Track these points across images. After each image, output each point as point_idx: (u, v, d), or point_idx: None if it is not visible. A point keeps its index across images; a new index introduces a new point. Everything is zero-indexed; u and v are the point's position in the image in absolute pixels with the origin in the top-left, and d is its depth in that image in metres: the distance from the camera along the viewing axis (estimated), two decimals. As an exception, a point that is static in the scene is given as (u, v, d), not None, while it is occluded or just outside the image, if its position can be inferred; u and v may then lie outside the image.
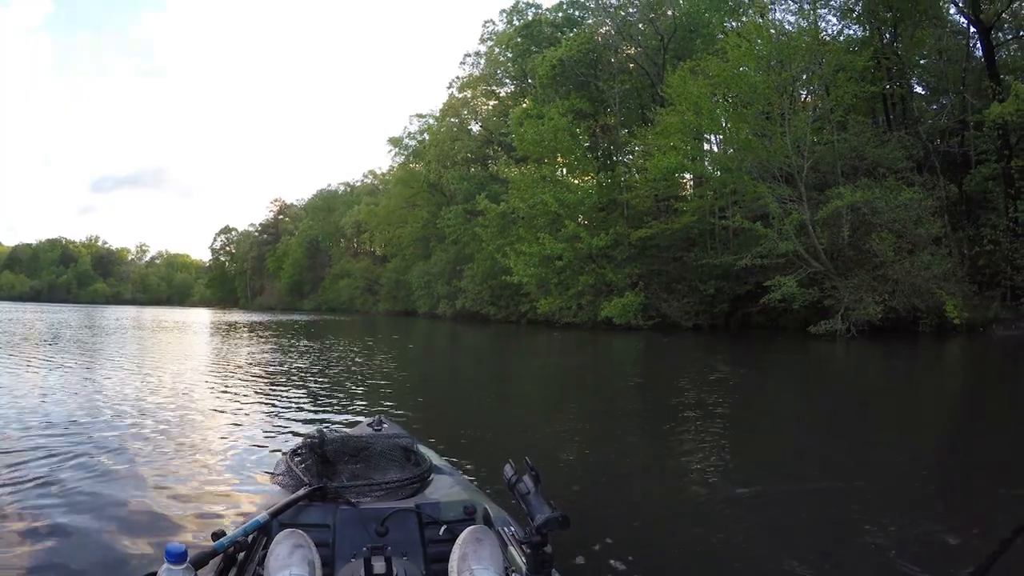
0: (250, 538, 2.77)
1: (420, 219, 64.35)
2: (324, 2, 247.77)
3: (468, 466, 5.99)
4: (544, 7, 52.23)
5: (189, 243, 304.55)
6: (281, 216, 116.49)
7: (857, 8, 32.75)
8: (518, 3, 53.63)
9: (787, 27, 32.31)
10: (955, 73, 31.23)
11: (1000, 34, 30.44)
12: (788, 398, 13.68)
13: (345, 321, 54.46)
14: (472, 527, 2.65)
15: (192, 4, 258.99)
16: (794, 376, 17.80)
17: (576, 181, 42.97)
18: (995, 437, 8.88)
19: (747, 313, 32.57)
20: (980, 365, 19.83)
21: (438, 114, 64.80)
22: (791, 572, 4.27)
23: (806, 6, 32.18)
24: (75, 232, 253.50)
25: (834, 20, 33.49)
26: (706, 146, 37.77)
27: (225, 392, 12.11)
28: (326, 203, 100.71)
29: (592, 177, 42.63)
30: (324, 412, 10.01)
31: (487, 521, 3.03)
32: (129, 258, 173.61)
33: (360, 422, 5.11)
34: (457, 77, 63.23)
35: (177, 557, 2.23)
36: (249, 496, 5.59)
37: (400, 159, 73.22)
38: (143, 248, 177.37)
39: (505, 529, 2.91)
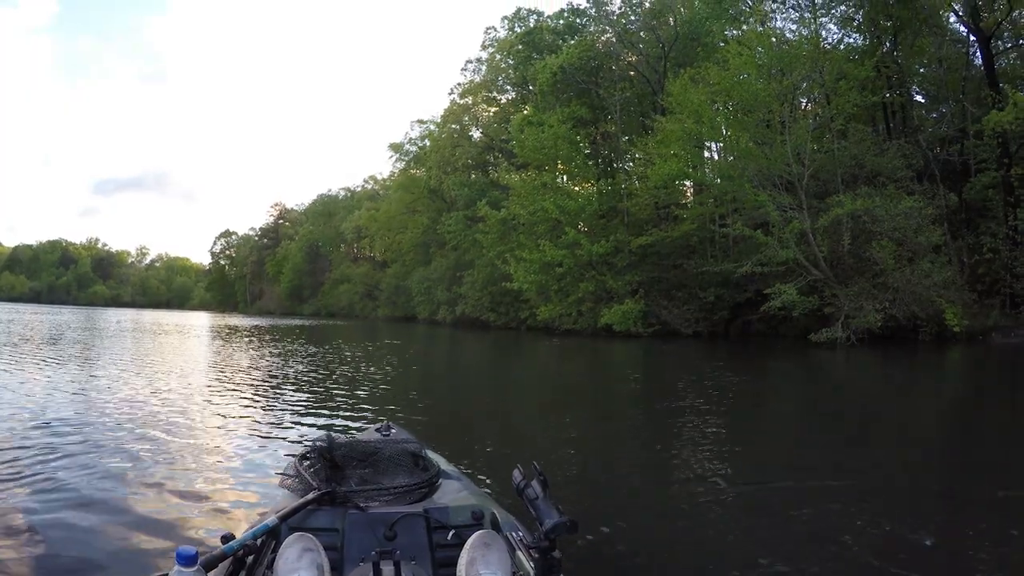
0: (259, 541, 2.77)
1: (420, 225, 64.38)
2: (327, 8, 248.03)
3: (475, 471, 6.03)
4: (546, 14, 52.38)
5: (189, 246, 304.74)
6: (281, 220, 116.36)
7: (857, 17, 32.77)
8: (520, 10, 53.83)
9: (788, 35, 32.46)
10: (955, 82, 31.33)
11: (1000, 43, 30.48)
12: (788, 405, 13.70)
13: (345, 326, 54.40)
14: (480, 532, 2.63)
15: (196, 9, 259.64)
16: (794, 383, 17.82)
17: (576, 188, 43.02)
18: (994, 443, 8.93)
19: (747, 321, 32.53)
20: (980, 373, 19.83)
21: (439, 120, 64.94)
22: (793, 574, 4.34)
23: (807, 15, 32.29)
24: (76, 234, 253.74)
25: (834, 29, 33.58)
26: (707, 154, 37.84)
27: (231, 396, 12.12)
28: (326, 208, 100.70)
29: (592, 184, 42.70)
30: (330, 417, 10.02)
31: (495, 526, 3.03)
32: (129, 261, 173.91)
33: (368, 427, 5.11)
34: (458, 83, 63.20)
35: (188, 560, 2.25)
36: (258, 500, 5.61)
37: (401, 165, 73.34)
38: (143, 251, 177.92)
39: (513, 534, 2.91)
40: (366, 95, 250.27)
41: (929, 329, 26.03)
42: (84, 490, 5.83)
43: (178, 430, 8.66)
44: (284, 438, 8.36)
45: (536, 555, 2.51)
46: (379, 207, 78.55)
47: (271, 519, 2.87)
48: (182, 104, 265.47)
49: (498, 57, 56.01)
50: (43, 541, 4.58)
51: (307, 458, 3.45)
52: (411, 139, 70.83)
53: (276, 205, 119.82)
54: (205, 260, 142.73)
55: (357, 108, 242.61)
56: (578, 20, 48.71)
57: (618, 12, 44.59)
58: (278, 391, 12.96)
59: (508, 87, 56.55)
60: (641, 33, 43.21)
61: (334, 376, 15.97)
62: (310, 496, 3.06)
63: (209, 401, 11.43)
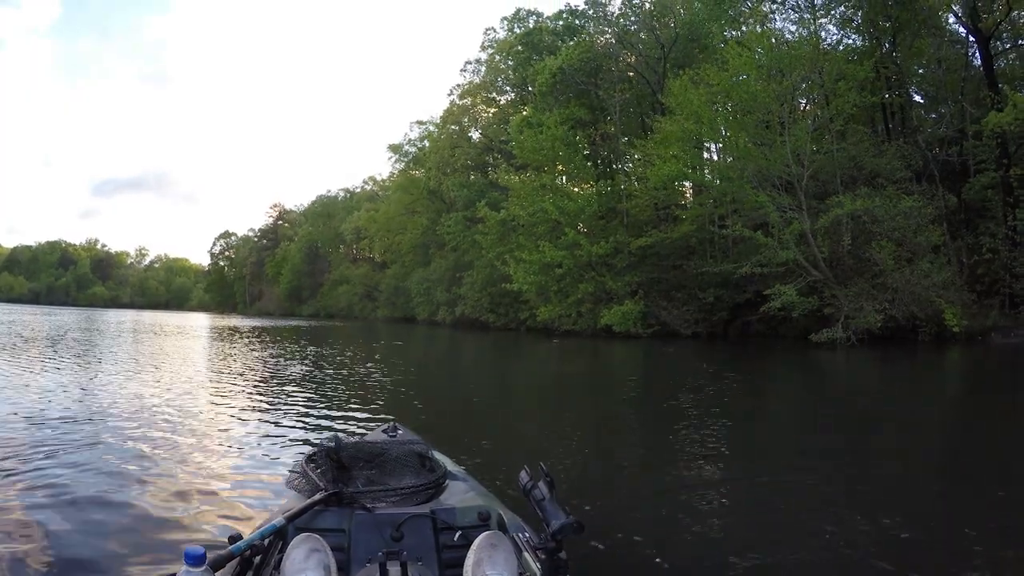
0: (266, 542, 2.80)
1: (420, 226, 64.32)
2: (327, 9, 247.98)
3: (479, 472, 6.04)
4: (545, 15, 52.36)
5: (188, 247, 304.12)
6: (281, 221, 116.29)
7: (856, 18, 32.79)
8: (519, 11, 53.84)
9: (787, 36, 32.49)
10: (954, 82, 31.35)
11: (999, 43, 30.52)
12: (788, 405, 13.72)
13: (344, 327, 54.38)
14: (487, 533, 2.63)
15: (197, 10, 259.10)
16: (794, 384, 17.84)
17: (576, 189, 43.01)
18: (993, 443, 8.94)
19: (747, 321, 32.52)
20: (979, 373, 19.83)
21: (438, 121, 64.88)
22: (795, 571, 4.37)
23: (806, 16, 32.35)
24: (75, 235, 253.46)
25: (834, 29, 33.61)
26: (706, 155, 37.83)
27: (236, 397, 12.15)
28: (326, 209, 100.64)
29: (592, 185, 42.69)
30: (335, 417, 10.01)
31: (502, 527, 3.04)
32: (128, 262, 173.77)
33: (374, 428, 5.11)
34: (458, 84, 63.24)
35: (196, 559, 2.28)
36: (265, 500, 5.62)
37: (400, 166, 73.33)
38: (142, 252, 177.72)
39: (520, 535, 2.91)
40: (365, 96, 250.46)
41: (928, 329, 26.06)
42: (91, 490, 5.83)
43: (184, 431, 8.68)
44: (290, 439, 8.36)
45: (543, 556, 2.53)
46: (378, 208, 78.50)
47: (278, 519, 2.89)
48: (182, 104, 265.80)
49: (497, 58, 55.93)
50: (50, 541, 4.59)
51: (314, 459, 3.46)
52: (410, 140, 70.98)
53: (275, 206, 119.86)
54: (204, 261, 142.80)
55: (356, 109, 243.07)
56: (577, 21, 48.64)
57: (617, 13, 44.66)
58: (282, 392, 12.96)
59: (507, 88, 56.48)
60: (641, 34, 43.19)
61: (337, 377, 16.01)
62: (317, 497, 3.08)
63: (214, 402, 11.44)
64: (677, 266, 36.36)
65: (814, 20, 32.33)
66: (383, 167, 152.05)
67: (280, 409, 10.77)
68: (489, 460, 6.97)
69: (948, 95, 31.72)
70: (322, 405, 11.27)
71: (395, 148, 72.44)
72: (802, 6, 32.78)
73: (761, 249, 29.18)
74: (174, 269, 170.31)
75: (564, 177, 44.07)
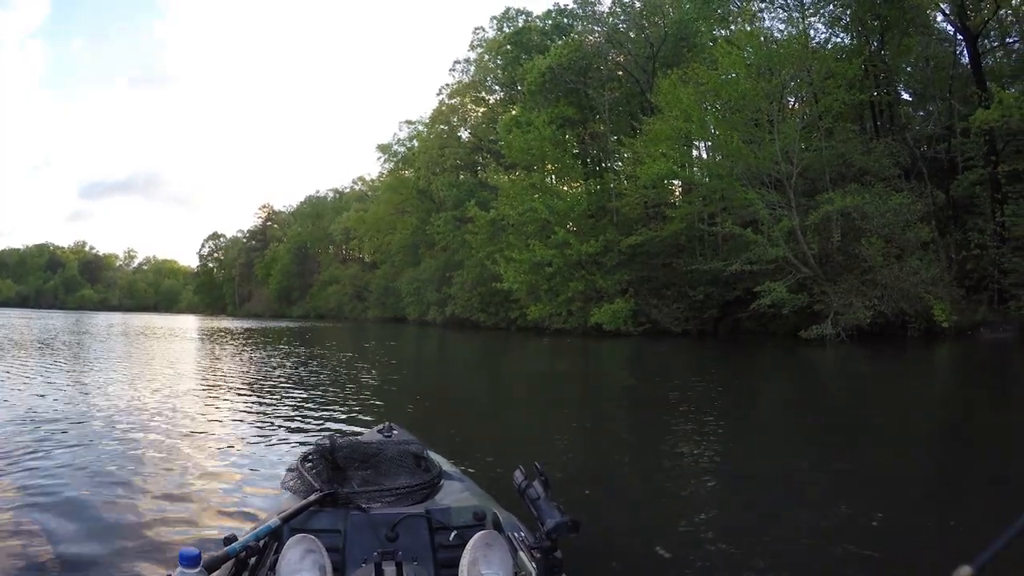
0: (262, 543, 2.78)
1: (409, 226, 64.32)
2: (316, 10, 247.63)
3: (473, 471, 6.04)
4: (534, 14, 52.45)
5: (177, 249, 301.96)
6: (270, 222, 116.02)
7: (845, 17, 32.91)
8: (508, 10, 53.80)
9: (776, 35, 32.60)
10: (942, 80, 31.54)
11: (986, 41, 30.68)
12: (779, 402, 13.75)
13: (335, 328, 54.26)
14: (482, 532, 2.67)
15: (188, 12, 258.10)
16: (784, 380, 17.90)
17: (565, 188, 43.09)
18: (982, 437, 8.98)
19: (736, 319, 32.56)
20: (968, 368, 19.90)
21: (428, 121, 64.92)
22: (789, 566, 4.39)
23: (795, 14, 32.47)
24: (64, 238, 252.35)
25: (822, 28, 33.74)
26: (695, 153, 37.96)
27: (230, 398, 12.11)
28: (315, 209, 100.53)
29: (581, 184, 42.77)
30: (329, 418, 9.96)
31: (497, 526, 3.04)
32: (117, 264, 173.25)
33: (370, 429, 5.10)
34: (447, 84, 63.19)
35: (191, 561, 2.27)
36: (260, 501, 5.59)
37: (389, 166, 73.32)
38: (131, 254, 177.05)
39: (515, 534, 2.93)
40: (354, 97, 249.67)
41: (918, 325, 26.18)
42: (84, 492, 5.82)
43: (178, 432, 8.64)
44: (285, 440, 8.34)
45: (538, 555, 2.52)
46: (368, 208, 78.46)
47: (273, 520, 2.90)
48: (172, 106, 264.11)
49: (486, 57, 55.89)
50: (44, 543, 4.56)
51: (309, 459, 3.48)
52: (399, 140, 70.97)
53: (264, 207, 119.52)
54: (193, 263, 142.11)
55: (345, 110, 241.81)
56: (566, 20, 48.79)
57: (607, 12, 44.82)
58: (276, 393, 12.89)
59: (496, 87, 56.48)
60: (630, 33, 43.34)
61: (330, 377, 15.98)
62: (312, 497, 3.08)
63: (208, 403, 11.41)
64: (667, 264, 36.46)
65: (803, 19, 32.50)
66: (372, 167, 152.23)
67: (274, 410, 10.73)
68: (484, 459, 6.95)
69: (936, 92, 31.89)
70: (316, 405, 11.23)
71: (384, 148, 72.46)
72: (791, 5, 32.95)
73: (751, 246, 29.23)
74: (163, 271, 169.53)
75: (553, 176, 44.16)
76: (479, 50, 57.69)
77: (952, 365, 20.87)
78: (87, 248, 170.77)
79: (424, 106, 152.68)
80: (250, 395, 12.66)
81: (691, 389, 14.32)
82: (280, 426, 9.33)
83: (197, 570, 2.29)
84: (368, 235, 76.90)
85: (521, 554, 2.75)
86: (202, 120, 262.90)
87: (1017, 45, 31.57)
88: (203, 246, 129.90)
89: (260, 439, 8.39)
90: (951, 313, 25.46)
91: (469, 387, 17.08)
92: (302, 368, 18.05)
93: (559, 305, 38.54)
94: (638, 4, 43.84)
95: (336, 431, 8.45)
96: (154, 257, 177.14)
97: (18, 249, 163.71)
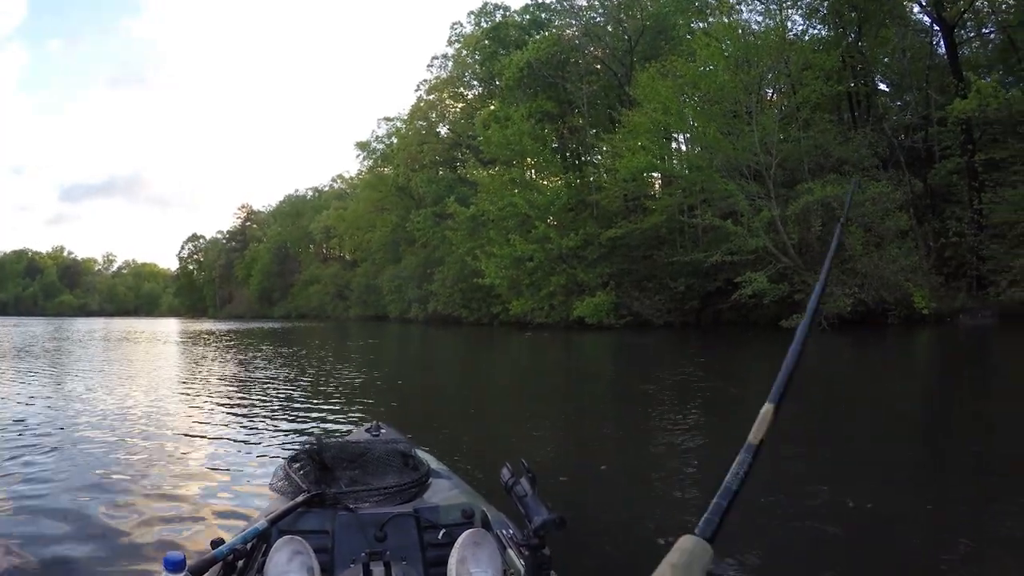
0: (249, 545, 2.71)
1: (389, 223, 64.34)
2: (294, 7, 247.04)
3: (463, 469, 6.00)
4: (512, 9, 52.51)
5: (156, 252, 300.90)
6: (249, 223, 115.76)
7: (822, 8, 33.13)
8: (486, 5, 53.86)
9: (754, 27, 32.72)
10: (919, 71, 31.77)
11: (963, 32, 30.98)
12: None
13: (317, 328, 54.11)
14: (470, 530, 2.66)
15: (164, 12, 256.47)
16: (766, 369, 17.94)
17: (545, 183, 43.19)
18: (964, 421, 9.12)
19: (718, 309, 32.75)
20: (948, 354, 20.13)
21: (406, 117, 64.82)
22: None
23: (772, 6, 32.60)
24: (43, 243, 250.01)
25: (800, 20, 33.94)
26: (674, 145, 38.13)
27: (215, 401, 11.93)
28: (294, 208, 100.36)
29: (560, 178, 42.87)
30: (316, 418, 9.86)
31: (485, 524, 3.03)
32: (96, 268, 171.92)
33: (357, 428, 5.08)
34: (425, 80, 63.31)
35: (176, 566, 2.19)
36: (248, 503, 5.53)
37: (368, 163, 73.11)
38: (110, 258, 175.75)
39: (503, 532, 2.91)
40: (332, 94, 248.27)
41: (898, 312, 26.40)
42: (69, 497, 5.73)
43: (163, 436, 8.53)
44: (272, 441, 8.25)
45: (526, 552, 2.45)
46: (347, 206, 78.55)
47: (261, 522, 2.83)
48: (151, 107, 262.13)
49: (464, 53, 55.86)
50: (26, 548, 4.44)
51: (296, 460, 3.44)
52: (378, 137, 70.59)
53: (243, 207, 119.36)
54: (173, 265, 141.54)
55: (323, 107, 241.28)
56: (543, 15, 48.88)
57: (584, 5, 44.94)
58: (261, 394, 12.77)
59: (475, 83, 56.52)
60: (607, 27, 43.47)
61: (314, 377, 15.88)
62: (299, 498, 3.04)
63: (192, 406, 11.28)
64: (648, 256, 36.66)
65: (780, 11, 32.59)
66: (351, 165, 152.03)
67: (260, 412, 10.62)
68: (470, 456, 6.90)
69: (913, 83, 32.15)
70: (302, 406, 11.14)
71: (363, 145, 72.29)
72: (768, -4, 33.09)
73: (731, 237, 29.44)
74: (142, 274, 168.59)
75: (533, 171, 44.24)
76: (457, 45, 57.73)
77: (933, 351, 21.08)
78: (65, 253, 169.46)
79: (402, 102, 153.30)
80: (235, 397, 12.53)
81: (674, 381, 14.33)
82: (266, 428, 9.25)
83: (182, 575, 2.22)
84: (348, 233, 76.83)
85: (510, 551, 2.73)
86: (181, 120, 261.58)
87: (993, 35, 31.92)
88: (182, 248, 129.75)
89: (246, 441, 8.30)
90: (931, 300, 25.70)
91: (453, 384, 17.04)
92: (286, 369, 17.92)
93: (541, 299, 38.64)
94: (615, -2, 43.94)
95: (323, 431, 8.46)
96: (133, 261, 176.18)
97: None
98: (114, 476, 6.53)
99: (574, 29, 44.68)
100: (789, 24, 33.10)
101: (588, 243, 37.56)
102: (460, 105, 59.08)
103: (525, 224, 39.06)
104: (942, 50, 31.15)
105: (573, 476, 6.70)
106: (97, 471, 6.69)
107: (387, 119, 69.63)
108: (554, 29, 45.41)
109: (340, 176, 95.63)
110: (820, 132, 30.68)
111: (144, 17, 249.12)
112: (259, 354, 23.79)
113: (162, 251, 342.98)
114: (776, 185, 28.75)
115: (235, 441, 8.31)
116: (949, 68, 29.95)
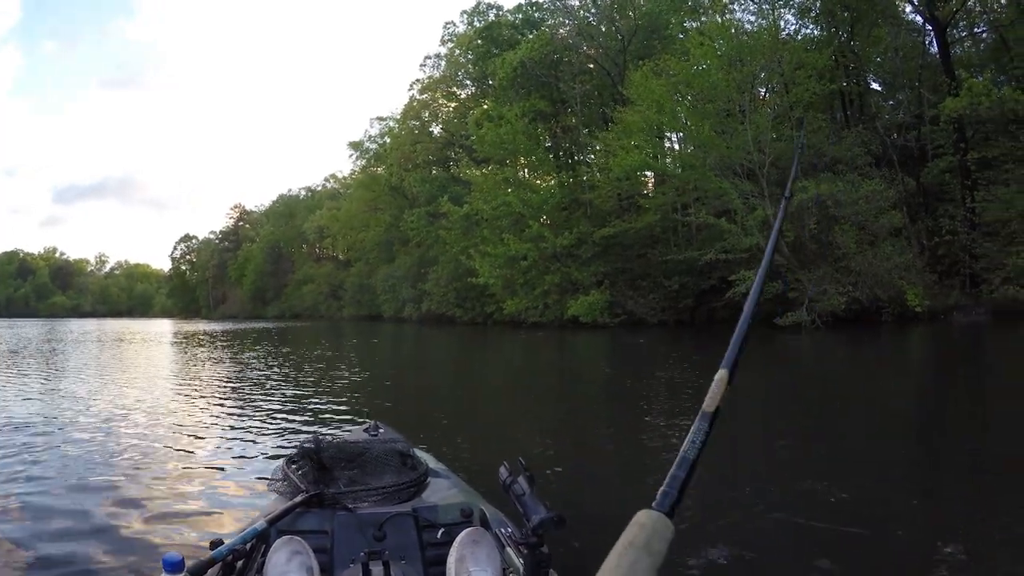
0: (248, 546, 2.74)
1: (383, 223, 64.21)
2: (286, 7, 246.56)
3: (461, 468, 6.00)
4: (505, 8, 52.51)
5: (149, 253, 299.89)
6: (242, 223, 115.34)
7: (815, 8, 33.21)
8: (479, 4, 53.83)
9: (747, 26, 32.77)
10: (911, 70, 31.88)
11: (955, 31, 31.09)
12: (757, 388, 13.74)
13: (311, 328, 53.90)
14: (469, 529, 2.67)
15: (157, 13, 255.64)
16: (761, 367, 17.93)
17: (538, 182, 43.20)
18: (958, 417, 9.14)
19: (712, 307, 32.73)
20: (942, 351, 20.20)
21: (399, 117, 64.69)
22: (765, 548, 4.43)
23: (765, 6, 32.68)
24: (36, 244, 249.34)
25: (792, 19, 34.04)
26: (668, 144, 38.18)
27: (213, 402, 11.89)
28: (287, 208, 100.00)
29: (554, 177, 42.86)
30: (314, 418, 9.81)
31: (484, 523, 3.03)
32: (88, 269, 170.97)
33: (355, 428, 5.05)
34: (418, 79, 63.18)
35: (174, 566, 2.21)
36: (246, 504, 5.51)
37: (361, 163, 73.20)
38: (102, 259, 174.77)
39: (502, 530, 2.92)
40: (325, 94, 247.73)
41: (892, 310, 26.49)
42: (66, 498, 5.69)
43: (161, 437, 8.48)
44: (270, 441, 8.21)
45: (525, 551, 2.46)
46: (340, 206, 78.37)
47: (259, 523, 2.84)
48: (144, 108, 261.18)
49: (457, 52, 55.85)
50: (24, 550, 4.43)
51: (295, 461, 3.45)
52: (371, 136, 70.66)
53: (236, 207, 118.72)
54: (166, 266, 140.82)
55: (316, 107, 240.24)
56: (536, 14, 48.91)
57: (577, 4, 44.93)
58: (258, 395, 12.72)
59: (468, 82, 56.50)
60: (601, 26, 43.45)
61: (310, 377, 15.83)
62: (298, 499, 3.04)
63: (190, 408, 11.21)
64: (642, 255, 36.67)
65: (773, 10, 32.69)
66: (344, 164, 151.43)
67: (258, 412, 10.57)
68: (467, 455, 6.90)
69: (905, 82, 32.30)
70: (299, 406, 11.11)
71: (356, 145, 72.34)
72: (761, -4, 33.16)
73: (725, 236, 29.51)
74: (135, 275, 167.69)
75: (526, 170, 44.22)
76: (450, 45, 57.76)
77: (926, 349, 21.14)
78: (58, 254, 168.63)
79: (395, 102, 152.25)
80: (232, 398, 12.49)
81: (669, 379, 14.33)
82: (264, 428, 9.20)
83: (181, 575, 2.23)
84: (341, 233, 76.73)
85: (508, 550, 2.74)
86: (173, 121, 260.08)
87: (985, 34, 32.03)
88: (175, 248, 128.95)
89: (244, 442, 8.26)
90: (924, 298, 25.81)
91: (449, 383, 17.02)
92: (282, 369, 17.88)
93: (535, 298, 38.57)
94: (608, -4, 43.95)
95: (321, 431, 8.44)
96: (126, 261, 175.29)
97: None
98: (112, 477, 6.50)
99: (567, 28, 44.61)
100: (782, 23, 33.33)
101: (582, 242, 37.51)
102: (453, 104, 59.03)
103: (519, 223, 39.02)
104: (934, 49, 31.31)
105: (570, 474, 6.69)
106: (96, 472, 6.67)
107: (380, 119, 69.79)
108: (547, 28, 45.37)
109: (333, 176, 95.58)
110: (811, 132, 30.70)
111: (138, 19, 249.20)
112: (254, 354, 23.73)
113: (155, 252, 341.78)
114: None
115: (233, 441, 8.28)
116: (941, 67, 30.13)
